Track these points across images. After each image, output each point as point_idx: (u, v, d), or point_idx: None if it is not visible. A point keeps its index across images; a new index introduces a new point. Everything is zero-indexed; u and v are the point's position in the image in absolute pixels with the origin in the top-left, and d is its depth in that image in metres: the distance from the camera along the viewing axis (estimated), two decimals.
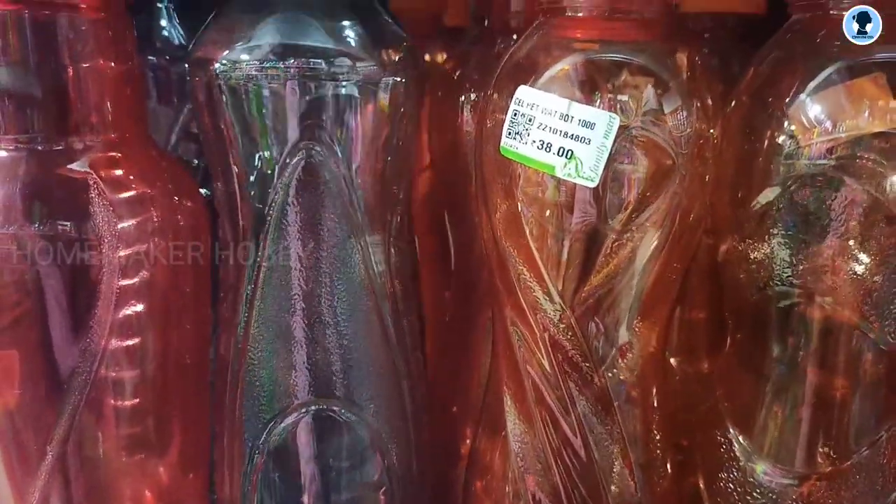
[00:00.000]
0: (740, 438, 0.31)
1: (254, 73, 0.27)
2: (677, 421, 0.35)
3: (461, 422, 0.42)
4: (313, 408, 0.29)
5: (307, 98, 0.28)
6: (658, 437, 0.33)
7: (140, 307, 0.28)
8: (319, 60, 0.27)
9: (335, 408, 0.29)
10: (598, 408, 0.31)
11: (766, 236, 0.30)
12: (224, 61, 0.28)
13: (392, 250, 0.32)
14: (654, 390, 0.33)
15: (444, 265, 0.46)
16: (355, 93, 0.28)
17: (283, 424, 0.29)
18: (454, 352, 0.44)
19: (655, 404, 0.33)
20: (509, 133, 0.28)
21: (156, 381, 0.31)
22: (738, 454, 0.31)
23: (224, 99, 0.28)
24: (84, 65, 0.27)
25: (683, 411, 0.36)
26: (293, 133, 0.28)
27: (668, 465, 0.33)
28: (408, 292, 0.33)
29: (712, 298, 0.39)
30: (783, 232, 0.29)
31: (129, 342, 0.29)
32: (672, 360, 0.39)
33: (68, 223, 0.26)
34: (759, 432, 0.30)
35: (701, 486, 0.32)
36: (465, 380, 0.43)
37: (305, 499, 0.30)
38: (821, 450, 0.29)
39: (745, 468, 0.30)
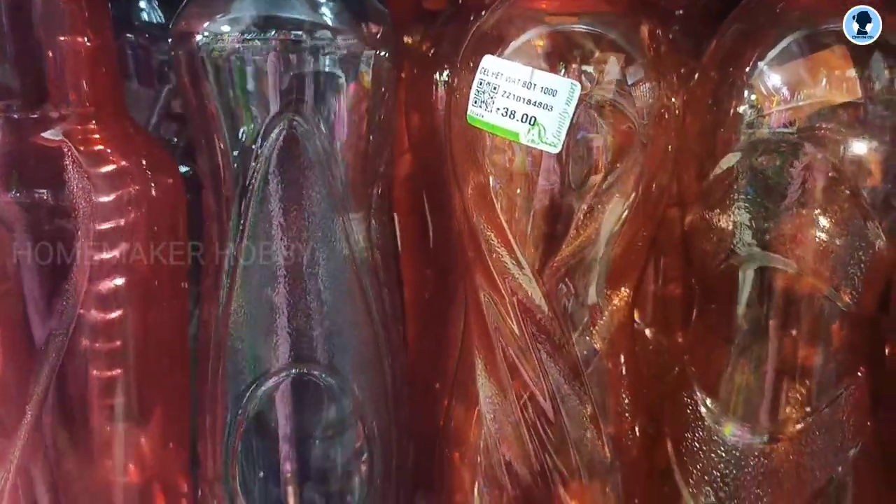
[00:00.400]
0: (707, 401, 0.31)
1: (236, 45, 0.28)
2: (648, 387, 0.36)
3: (443, 398, 0.43)
4: (294, 371, 0.30)
5: (288, 70, 0.28)
6: (628, 402, 0.34)
7: (115, 275, 0.29)
8: (301, 33, 0.28)
9: (315, 372, 0.30)
10: (568, 374, 0.32)
11: (729, 204, 0.31)
12: (206, 33, 0.28)
13: (373, 222, 0.32)
14: (624, 357, 0.34)
15: (426, 244, 0.46)
16: (336, 65, 0.29)
17: (263, 388, 0.30)
18: (435, 330, 0.44)
19: (625, 371, 0.34)
20: (475, 101, 0.28)
21: (131, 350, 0.31)
22: (703, 415, 0.31)
23: (206, 71, 0.28)
24: (60, 38, 0.28)
25: (656, 379, 0.37)
26: (274, 104, 0.28)
27: (637, 430, 0.34)
28: (388, 265, 0.34)
29: (687, 273, 0.39)
30: (745, 199, 0.30)
31: (105, 309, 0.29)
32: (647, 332, 0.40)
33: (44, 191, 0.27)
34: (724, 394, 0.31)
35: (669, 447, 0.33)
36: (446, 357, 0.44)
37: (285, 462, 0.31)
38: (783, 409, 0.30)
39: (710, 428, 0.31)
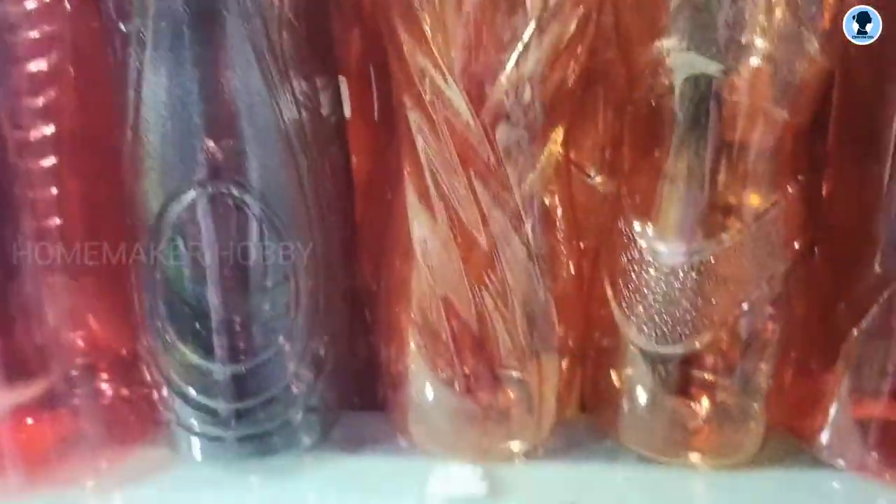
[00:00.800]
0: (639, 224, 0.31)
1: None
2: (587, 228, 0.35)
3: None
4: (210, 189, 0.29)
5: None
6: (565, 243, 0.34)
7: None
8: None
9: (234, 192, 0.29)
10: (503, 204, 0.31)
11: (666, 24, 0.30)
12: None
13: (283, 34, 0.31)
14: (560, 194, 0.33)
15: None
16: None
17: (178, 208, 0.29)
18: (381, 200, 0.44)
19: (561, 210, 0.33)
20: None
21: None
22: (636, 238, 0.31)
23: None
24: None
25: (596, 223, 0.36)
26: None
27: (574, 270, 0.34)
28: (310, 93, 0.33)
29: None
30: (680, 11, 0.29)
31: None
32: (599, 180, 0.39)
33: None
34: (656, 215, 0.31)
35: (604, 277, 0.33)
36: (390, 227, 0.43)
37: (205, 290, 0.30)
38: (713, 226, 0.30)
39: (642, 248, 0.31)
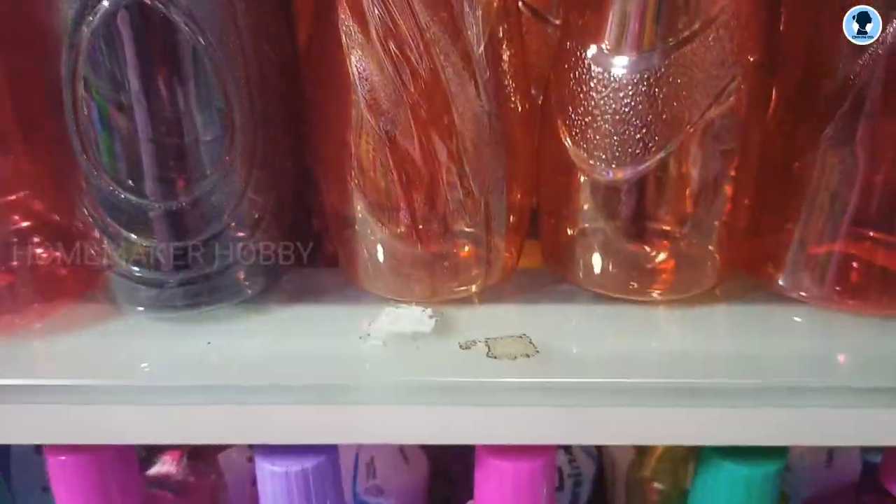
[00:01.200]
0: (595, 44, 0.30)
1: None
2: (541, 78, 0.34)
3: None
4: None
5: None
6: (515, 85, 0.32)
7: None
8: None
9: (158, 3, 0.27)
10: (450, 43, 0.30)
11: None
12: None
13: None
14: (510, 38, 0.31)
15: None
16: None
17: (97, 15, 0.27)
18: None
19: (512, 53, 0.32)
20: None
21: None
22: (586, 56, 0.30)
23: None
24: None
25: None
26: None
27: (520, 106, 0.32)
28: None
29: None
30: None
31: None
32: (557, 22, 0.37)
33: None
34: (606, 29, 0.29)
35: (555, 114, 0.31)
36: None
37: (134, 106, 0.28)
38: (665, 32, 0.28)
39: (591, 66, 0.29)
